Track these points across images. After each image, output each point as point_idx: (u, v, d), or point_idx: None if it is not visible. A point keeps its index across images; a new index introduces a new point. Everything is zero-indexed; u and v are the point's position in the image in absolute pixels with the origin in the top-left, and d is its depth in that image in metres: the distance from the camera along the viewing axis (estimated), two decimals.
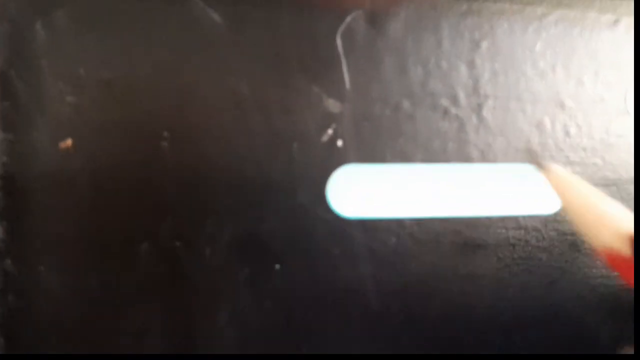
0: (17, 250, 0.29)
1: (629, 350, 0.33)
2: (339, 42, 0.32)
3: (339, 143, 0.32)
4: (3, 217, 0.29)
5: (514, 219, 0.34)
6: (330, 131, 0.32)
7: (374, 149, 0.33)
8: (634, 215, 0.26)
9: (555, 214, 0.35)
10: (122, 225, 0.30)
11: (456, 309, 0.34)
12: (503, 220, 0.34)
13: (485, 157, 0.34)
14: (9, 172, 0.29)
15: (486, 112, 0.34)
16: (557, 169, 0.29)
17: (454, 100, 0.33)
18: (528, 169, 0.34)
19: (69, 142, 0.30)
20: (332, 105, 0.32)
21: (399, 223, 0.33)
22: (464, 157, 0.33)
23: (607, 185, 0.35)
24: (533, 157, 0.31)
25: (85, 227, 0.30)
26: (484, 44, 0.34)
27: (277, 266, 0.32)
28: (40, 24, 0.29)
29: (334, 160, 0.32)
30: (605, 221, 0.26)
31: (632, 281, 0.25)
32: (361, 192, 0.33)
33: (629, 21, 0.35)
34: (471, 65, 0.33)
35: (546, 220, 0.35)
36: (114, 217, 0.30)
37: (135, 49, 0.30)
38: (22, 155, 0.29)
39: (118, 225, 0.30)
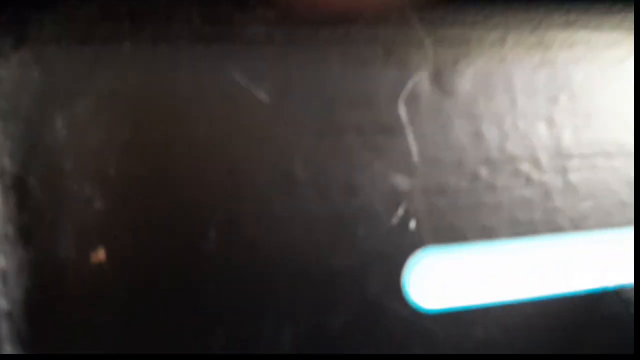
0: None
1: None
2: (402, 108, 0.28)
3: (412, 224, 0.28)
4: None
5: (612, 294, 0.30)
6: (400, 211, 0.28)
7: (452, 227, 0.28)
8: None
9: None
10: (168, 343, 0.26)
11: None
12: (602, 296, 0.30)
13: (576, 225, 0.29)
14: (33, 298, 0.24)
15: (572, 174, 0.29)
16: None
17: (536, 163, 0.29)
18: (625, 234, 0.29)
19: (101, 253, 0.25)
20: (400, 181, 0.28)
21: (484, 312, 0.29)
22: (553, 227, 0.29)
23: None
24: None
25: (127, 351, 0.25)
26: (562, 98, 0.29)
27: None
28: (60, 119, 0.25)
29: (407, 244, 0.28)
30: None
31: None
32: (441, 279, 0.28)
33: None
34: (551, 122, 0.29)
35: None
36: (159, 334, 0.25)
37: (173, 139, 0.26)
38: (46, 276, 0.25)
39: (164, 342, 0.26)
